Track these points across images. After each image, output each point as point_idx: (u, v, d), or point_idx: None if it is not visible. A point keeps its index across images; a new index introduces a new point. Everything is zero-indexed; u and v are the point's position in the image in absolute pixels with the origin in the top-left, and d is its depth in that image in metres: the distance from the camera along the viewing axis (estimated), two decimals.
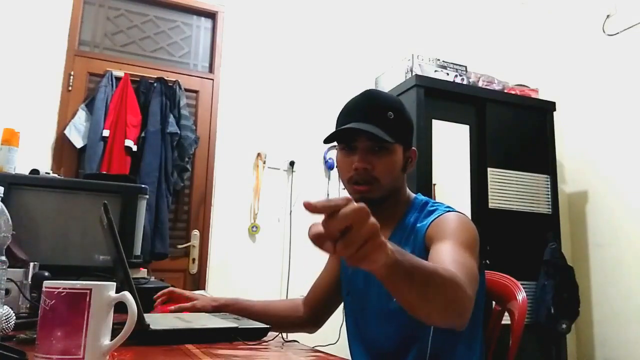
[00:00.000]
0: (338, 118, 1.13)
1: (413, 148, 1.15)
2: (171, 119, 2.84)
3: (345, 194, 1.14)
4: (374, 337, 1.13)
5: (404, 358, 1.07)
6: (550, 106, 3.36)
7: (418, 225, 1.08)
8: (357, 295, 1.18)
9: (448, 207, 1.11)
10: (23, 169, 1.68)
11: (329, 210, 0.55)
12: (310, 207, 0.55)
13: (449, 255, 0.91)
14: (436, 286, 0.75)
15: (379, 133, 1.03)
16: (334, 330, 1.30)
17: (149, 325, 0.83)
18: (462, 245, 0.95)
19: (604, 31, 3.49)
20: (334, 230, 0.55)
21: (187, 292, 1.29)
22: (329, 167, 3.19)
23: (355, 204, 0.56)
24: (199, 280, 2.89)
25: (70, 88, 2.78)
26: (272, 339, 0.95)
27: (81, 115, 2.74)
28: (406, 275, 0.69)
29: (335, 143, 1.14)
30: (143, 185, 1.66)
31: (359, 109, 1.09)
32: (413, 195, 1.19)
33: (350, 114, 1.10)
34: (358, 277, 1.18)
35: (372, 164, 1.07)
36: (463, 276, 0.83)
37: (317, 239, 0.56)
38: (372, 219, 0.57)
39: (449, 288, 0.77)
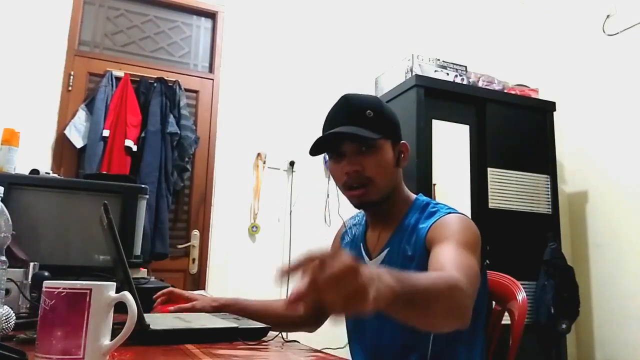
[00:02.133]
0: (322, 129, 1.12)
1: (403, 141, 1.14)
2: (171, 119, 2.84)
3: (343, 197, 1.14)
4: (374, 338, 1.13)
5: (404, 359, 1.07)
6: (550, 106, 3.36)
7: (420, 226, 1.07)
8: None
9: (449, 208, 1.10)
10: (23, 169, 1.68)
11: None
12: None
13: (449, 257, 0.90)
14: (437, 300, 0.74)
15: (359, 132, 1.03)
16: (340, 334, 1.29)
17: (149, 325, 0.83)
18: (463, 245, 0.95)
19: (604, 31, 3.49)
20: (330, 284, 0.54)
21: (186, 293, 1.28)
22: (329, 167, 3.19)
23: (345, 260, 0.55)
24: (199, 280, 2.89)
25: (70, 88, 2.78)
26: (272, 339, 0.95)
27: (81, 115, 2.74)
28: (407, 303, 0.68)
29: None
30: (143, 185, 1.66)
31: (338, 115, 1.09)
32: (414, 195, 1.18)
33: (330, 122, 1.10)
34: None
35: (362, 164, 1.06)
36: (463, 276, 0.82)
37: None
38: (352, 266, 0.55)
39: (450, 297, 0.77)
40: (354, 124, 1.05)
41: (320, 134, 1.10)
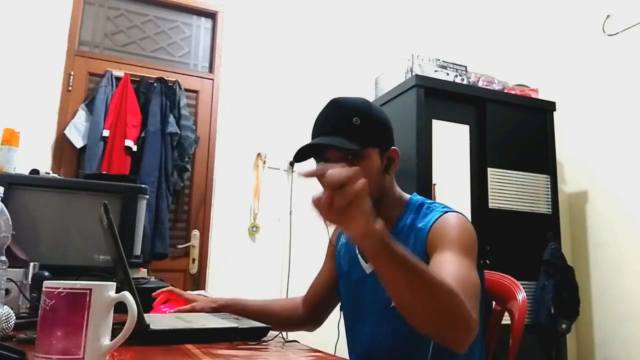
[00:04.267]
0: (311, 132, 1.11)
1: (393, 147, 1.12)
2: (171, 119, 2.84)
3: None
4: (371, 340, 1.13)
5: None
6: (550, 106, 3.36)
7: (418, 225, 1.07)
8: (354, 295, 1.18)
9: (445, 206, 1.09)
10: (23, 169, 1.68)
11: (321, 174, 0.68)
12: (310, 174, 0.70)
13: (451, 271, 0.90)
14: (430, 284, 0.75)
15: (342, 144, 1.01)
16: (331, 339, 1.29)
17: (149, 325, 0.83)
18: (463, 254, 0.95)
19: (604, 31, 3.49)
20: (334, 184, 0.66)
21: (186, 294, 1.28)
22: None
23: (350, 168, 0.67)
24: (199, 280, 2.89)
25: (70, 88, 2.78)
26: (272, 339, 0.95)
27: (81, 115, 2.74)
28: (396, 257, 0.73)
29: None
30: (143, 185, 1.66)
31: (324, 121, 1.08)
32: (408, 196, 1.17)
33: (317, 128, 1.09)
34: (354, 277, 1.17)
35: None
36: (465, 295, 0.81)
37: (316, 203, 0.68)
38: (363, 181, 0.67)
39: (446, 292, 0.77)
40: (339, 133, 1.03)
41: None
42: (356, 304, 1.17)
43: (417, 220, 1.08)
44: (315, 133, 1.08)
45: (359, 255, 1.17)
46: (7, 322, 0.80)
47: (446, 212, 1.07)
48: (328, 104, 1.10)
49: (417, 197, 1.16)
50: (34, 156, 2.42)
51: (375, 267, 0.75)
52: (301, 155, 1.08)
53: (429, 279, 0.76)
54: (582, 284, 3.26)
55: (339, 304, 1.31)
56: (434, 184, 2.90)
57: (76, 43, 2.86)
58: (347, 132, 1.03)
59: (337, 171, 0.66)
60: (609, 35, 3.46)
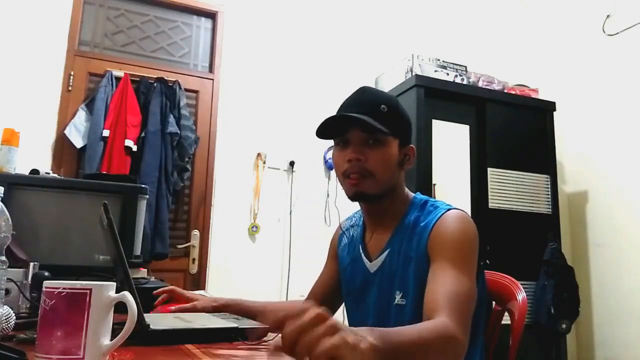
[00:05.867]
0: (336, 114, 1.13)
1: (411, 145, 1.14)
2: (171, 119, 2.84)
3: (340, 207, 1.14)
4: None
5: None
6: (550, 106, 3.36)
7: (422, 224, 1.07)
8: (357, 295, 1.18)
9: (448, 205, 1.10)
10: (23, 169, 1.68)
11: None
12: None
13: (445, 288, 0.90)
14: (426, 355, 0.75)
15: (369, 121, 1.03)
16: None
17: (149, 325, 0.83)
18: (459, 264, 0.95)
19: (604, 31, 3.49)
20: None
21: (187, 293, 1.28)
22: (329, 167, 3.19)
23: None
24: (199, 280, 2.89)
25: (70, 88, 2.78)
26: (272, 339, 0.95)
27: (81, 115, 2.74)
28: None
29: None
30: (143, 185, 1.66)
31: (352, 103, 1.10)
32: (412, 194, 1.17)
33: (344, 109, 1.10)
34: (357, 277, 1.17)
35: (366, 155, 1.06)
36: (456, 317, 0.83)
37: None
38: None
39: (440, 349, 0.77)
40: (366, 114, 1.05)
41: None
42: (360, 303, 1.17)
43: (421, 218, 1.09)
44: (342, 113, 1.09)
45: (362, 255, 1.17)
46: (7, 322, 0.80)
47: (449, 209, 1.07)
48: (357, 90, 1.13)
49: (421, 196, 1.17)
50: (34, 156, 2.42)
51: None
52: (323, 132, 1.09)
53: (422, 349, 0.74)
54: (582, 284, 3.26)
55: (340, 307, 1.31)
56: (434, 184, 2.91)
57: (76, 43, 2.86)
58: (375, 116, 1.05)
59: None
60: (609, 35, 3.46)
